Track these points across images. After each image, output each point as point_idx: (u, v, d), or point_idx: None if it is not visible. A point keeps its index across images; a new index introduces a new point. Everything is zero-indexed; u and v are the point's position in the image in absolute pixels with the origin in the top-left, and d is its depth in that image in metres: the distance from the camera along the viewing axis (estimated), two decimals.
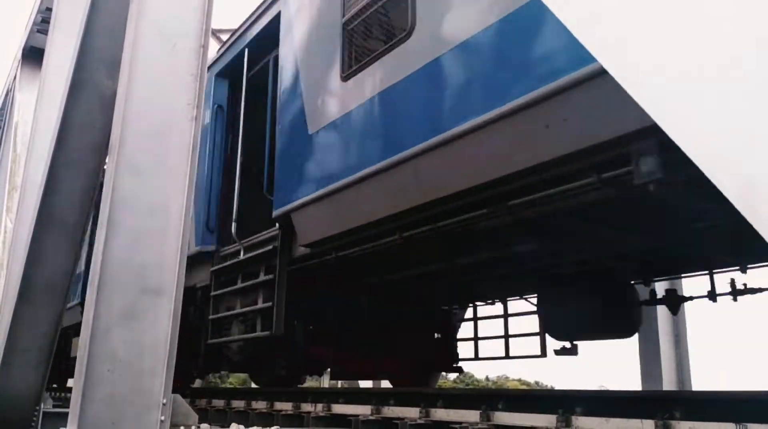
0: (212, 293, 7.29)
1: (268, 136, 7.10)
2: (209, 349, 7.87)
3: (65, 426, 2.95)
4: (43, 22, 7.59)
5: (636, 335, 8.77)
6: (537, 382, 31.40)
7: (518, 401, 4.54)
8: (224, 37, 9.36)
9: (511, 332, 8.21)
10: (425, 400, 5.03)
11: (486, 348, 9.04)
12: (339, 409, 5.88)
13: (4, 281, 5.88)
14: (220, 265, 7.37)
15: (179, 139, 3.22)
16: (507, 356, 8.18)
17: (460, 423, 4.48)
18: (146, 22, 3.36)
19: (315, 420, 5.85)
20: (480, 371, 34.30)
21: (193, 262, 7.79)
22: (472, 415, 4.51)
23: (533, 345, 7.55)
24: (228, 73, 8.33)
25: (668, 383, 8.75)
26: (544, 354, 7.41)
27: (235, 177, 7.37)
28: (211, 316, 7.24)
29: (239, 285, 6.84)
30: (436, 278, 7.36)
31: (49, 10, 6.74)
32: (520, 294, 8.10)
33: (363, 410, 5.47)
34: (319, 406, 6.08)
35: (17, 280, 4.57)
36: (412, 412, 4.98)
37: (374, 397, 5.68)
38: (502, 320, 8.38)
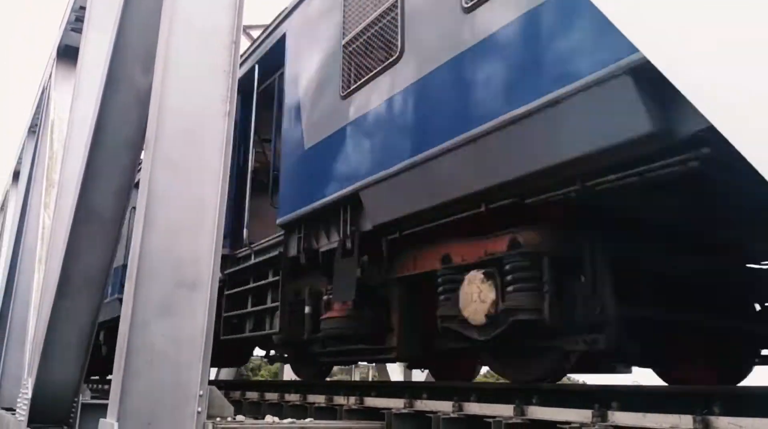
0: (226, 292, 7.70)
1: (273, 149, 7.76)
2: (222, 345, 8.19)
3: (104, 417, 3.00)
4: (77, 21, 7.72)
5: None
6: (568, 377, 31.10)
7: (552, 396, 4.50)
8: (255, 33, 9.40)
9: None
10: (459, 394, 5.00)
11: None
12: (371, 402, 5.87)
13: (44, 276, 6.01)
14: (233, 268, 7.77)
15: (213, 134, 3.25)
16: None
17: (494, 417, 4.43)
18: (179, 18, 3.39)
19: (348, 413, 5.85)
20: None
21: None
22: (506, 410, 4.46)
23: None
24: (240, 86, 8.55)
25: None
26: None
27: (247, 186, 7.72)
28: (224, 314, 7.65)
29: (250, 285, 7.36)
30: None
31: (83, 8, 6.85)
32: None
33: (396, 403, 5.46)
34: (352, 399, 6.08)
35: (56, 275, 4.67)
36: (445, 406, 4.94)
37: (407, 391, 5.67)
38: None
